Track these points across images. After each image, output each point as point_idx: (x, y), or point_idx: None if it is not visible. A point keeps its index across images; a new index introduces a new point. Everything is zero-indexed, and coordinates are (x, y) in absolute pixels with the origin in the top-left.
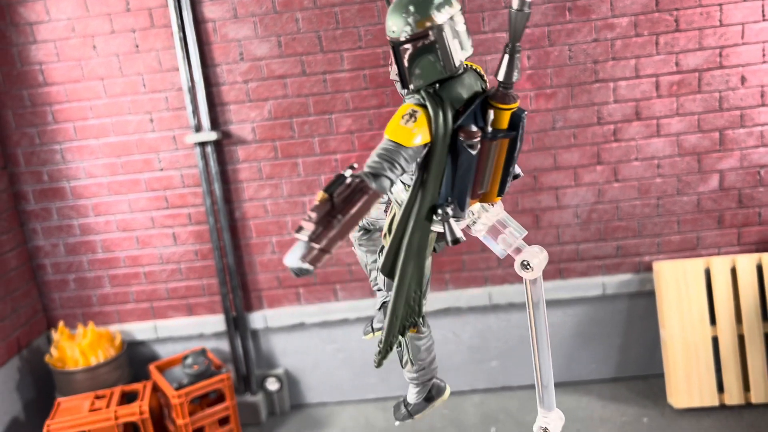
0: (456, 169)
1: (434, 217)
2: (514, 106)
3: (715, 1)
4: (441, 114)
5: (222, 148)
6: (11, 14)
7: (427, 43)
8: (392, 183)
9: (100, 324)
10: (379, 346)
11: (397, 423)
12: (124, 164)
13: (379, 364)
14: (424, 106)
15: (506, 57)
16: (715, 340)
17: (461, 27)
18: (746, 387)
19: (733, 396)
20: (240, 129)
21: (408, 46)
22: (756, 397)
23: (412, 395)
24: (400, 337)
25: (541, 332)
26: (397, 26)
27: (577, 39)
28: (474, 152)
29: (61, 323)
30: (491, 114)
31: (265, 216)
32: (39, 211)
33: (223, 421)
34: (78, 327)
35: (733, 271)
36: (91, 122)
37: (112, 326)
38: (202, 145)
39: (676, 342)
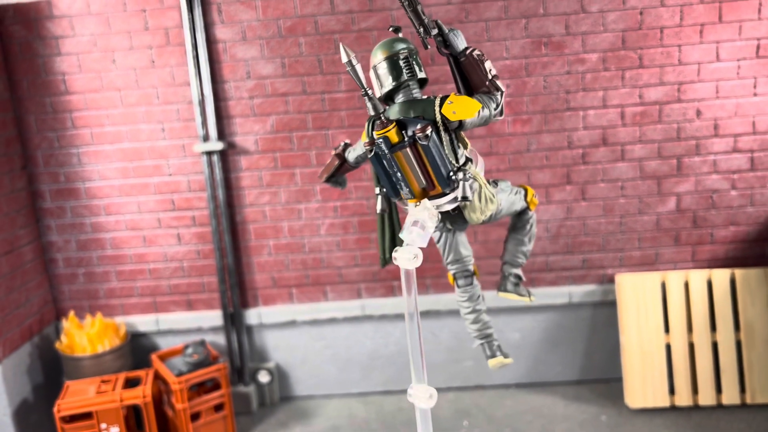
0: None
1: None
2: (378, 132)
3: (674, 42)
4: (366, 126)
5: (227, 157)
6: (39, 28)
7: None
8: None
9: (106, 315)
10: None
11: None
12: (136, 169)
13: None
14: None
15: (365, 99)
16: (669, 347)
17: (382, 71)
18: (695, 390)
19: (683, 398)
20: (244, 140)
21: None
22: (703, 400)
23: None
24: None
25: (413, 319)
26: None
27: (552, 71)
28: (371, 158)
29: (71, 313)
30: (374, 134)
31: (263, 220)
32: (54, 209)
33: (218, 408)
34: (86, 317)
35: (687, 285)
36: (107, 129)
37: (118, 318)
38: (209, 153)
39: (633, 348)
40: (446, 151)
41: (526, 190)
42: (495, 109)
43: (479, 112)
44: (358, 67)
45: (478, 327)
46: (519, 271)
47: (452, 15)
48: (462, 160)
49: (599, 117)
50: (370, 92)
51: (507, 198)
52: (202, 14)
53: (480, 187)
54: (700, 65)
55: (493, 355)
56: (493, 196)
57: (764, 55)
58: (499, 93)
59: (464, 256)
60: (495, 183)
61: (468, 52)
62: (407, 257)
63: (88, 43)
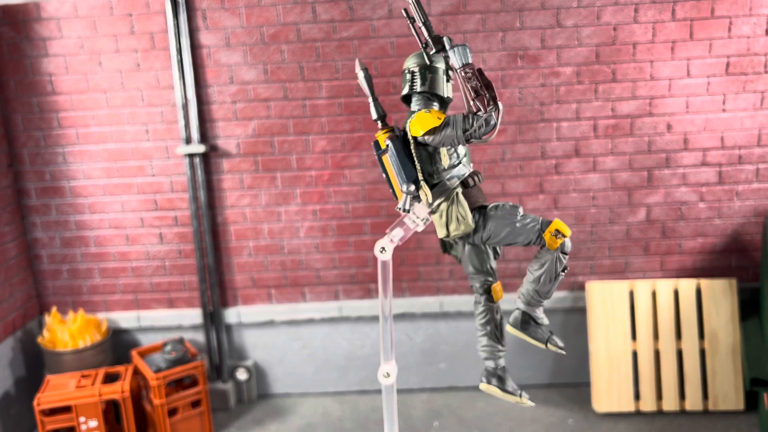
0: None
1: None
2: (377, 135)
3: (647, 57)
4: None
5: (209, 159)
6: (27, 30)
7: None
8: None
9: (88, 311)
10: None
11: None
12: (120, 169)
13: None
14: None
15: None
16: (635, 354)
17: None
18: (659, 396)
19: (648, 403)
20: (226, 143)
21: None
22: (667, 406)
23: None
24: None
25: (385, 304)
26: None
27: (527, 83)
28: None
29: (54, 308)
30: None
31: (244, 222)
32: (39, 207)
33: (195, 404)
34: (69, 313)
35: (654, 294)
36: (92, 129)
37: (100, 314)
38: (191, 156)
39: (601, 354)
40: (416, 163)
41: (544, 225)
42: (471, 131)
43: (438, 130)
44: (361, 77)
45: (480, 346)
46: (529, 308)
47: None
48: (440, 175)
49: (572, 129)
50: (374, 99)
51: (505, 225)
52: (187, 20)
53: (448, 205)
54: (671, 81)
55: (485, 380)
56: (463, 217)
57: (733, 73)
58: (483, 114)
59: (469, 271)
60: (495, 207)
61: (458, 68)
62: (377, 248)
63: (75, 45)
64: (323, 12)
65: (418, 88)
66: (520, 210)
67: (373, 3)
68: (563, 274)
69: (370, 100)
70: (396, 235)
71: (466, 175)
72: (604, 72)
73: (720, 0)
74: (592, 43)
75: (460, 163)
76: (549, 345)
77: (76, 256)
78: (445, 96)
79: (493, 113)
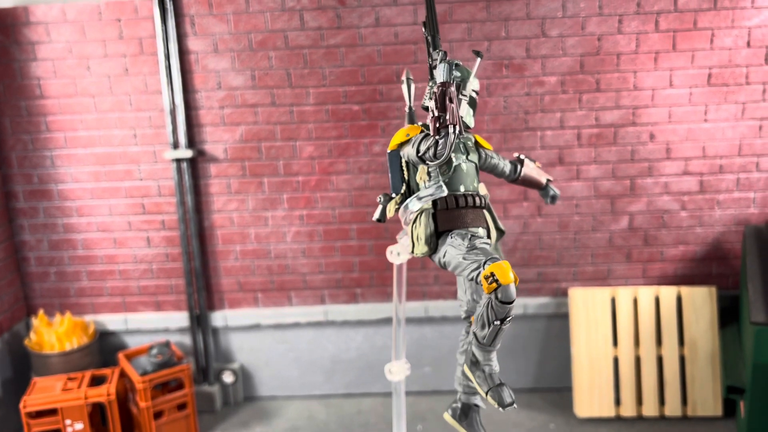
0: None
1: None
2: None
3: (630, 67)
4: None
5: (196, 164)
6: (15, 34)
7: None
8: None
9: (76, 314)
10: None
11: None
12: (108, 173)
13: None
14: None
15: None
16: (616, 360)
17: None
18: (639, 401)
19: (628, 409)
20: (213, 148)
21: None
22: (647, 411)
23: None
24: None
25: (399, 307)
26: (477, 88)
27: (512, 92)
28: None
29: (41, 311)
30: None
31: (230, 226)
32: (27, 209)
33: (181, 407)
34: (56, 315)
35: (635, 301)
36: (80, 133)
37: (87, 316)
38: (179, 160)
39: (582, 359)
40: (411, 176)
41: (487, 263)
42: (422, 152)
43: (402, 147)
44: (404, 87)
45: (456, 377)
46: (466, 398)
47: (418, 35)
48: (422, 191)
49: (556, 137)
50: (409, 107)
51: (454, 255)
52: (176, 25)
53: (412, 223)
54: (654, 91)
55: (451, 412)
56: (419, 238)
57: (715, 84)
58: (435, 136)
59: (459, 295)
60: (452, 234)
61: (437, 85)
62: (389, 252)
63: (64, 49)
64: (311, 19)
65: (425, 102)
66: (478, 242)
67: (360, 11)
68: (503, 326)
69: (407, 108)
70: (402, 243)
71: (440, 196)
72: (588, 81)
73: (703, 12)
74: (577, 53)
75: (443, 183)
76: None
77: (64, 258)
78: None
79: (440, 140)
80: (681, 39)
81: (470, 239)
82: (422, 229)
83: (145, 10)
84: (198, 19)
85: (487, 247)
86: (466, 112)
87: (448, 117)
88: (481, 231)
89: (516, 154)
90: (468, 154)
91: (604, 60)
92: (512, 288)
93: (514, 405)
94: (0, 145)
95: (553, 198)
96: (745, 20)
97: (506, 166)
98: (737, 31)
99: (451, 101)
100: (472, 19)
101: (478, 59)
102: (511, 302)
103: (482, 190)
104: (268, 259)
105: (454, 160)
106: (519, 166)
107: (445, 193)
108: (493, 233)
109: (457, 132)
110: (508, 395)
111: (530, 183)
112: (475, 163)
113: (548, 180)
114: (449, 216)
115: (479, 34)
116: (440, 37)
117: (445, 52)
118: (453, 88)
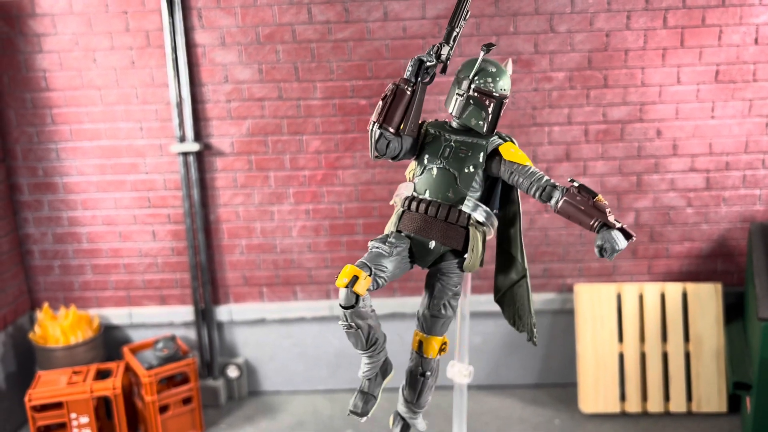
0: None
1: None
2: None
3: (638, 64)
4: None
5: (203, 158)
6: (21, 25)
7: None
8: None
9: (80, 308)
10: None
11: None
12: (113, 166)
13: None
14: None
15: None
16: (621, 356)
17: None
18: (644, 397)
19: (633, 405)
20: (220, 142)
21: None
22: (652, 407)
23: None
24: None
25: (465, 315)
26: (508, 86)
27: (520, 87)
28: None
29: (45, 304)
30: None
31: (236, 221)
32: (32, 202)
33: (187, 401)
34: (60, 309)
35: (641, 297)
36: (86, 126)
37: (92, 310)
38: (185, 154)
39: (588, 355)
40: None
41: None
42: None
43: None
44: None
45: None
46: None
47: (426, 30)
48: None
49: (564, 133)
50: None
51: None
52: (183, 18)
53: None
54: (661, 87)
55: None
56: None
57: (722, 80)
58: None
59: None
60: (388, 240)
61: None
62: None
63: (70, 41)
64: (319, 13)
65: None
66: (382, 247)
67: (368, 5)
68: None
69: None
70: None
71: (404, 195)
72: (596, 78)
73: (711, 9)
74: (585, 49)
75: (416, 180)
76: None
77: (68, 252)
78: (446, 106)
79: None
80: (689, 35)
81: (387, 242)
82: (391, 225)
83: (153, 2)
84: (205, 12)
85: (376, 251)
86: (463, 111)
87: (373, 114)
88: (432, 244)
89: (570, 179)
90: (454, 160)
91: (612, 56)
92: (342, 292)
93: (361, 417)
94: (5, 137)
95: (601, 249)
96: (753, 17)
97: (537, 190)
98: (745, 28)
99: (386, 98)
100: (481, 14)
101: (482, 53)
102: (346, 307)
103: (469, 208)
104: (273, 254)
105: (426, 162)
106: (559, 196)
107: (409, 193)
108: (475, 258)
109: (374, 130)
110: (354, 404)
111: (576, 221)
112: (461, 173)
113: (602, 225)
114: (407, 218)
115: (487, 29)
116: (458, 32)
117: (439, 46)
118: (405, 87)
